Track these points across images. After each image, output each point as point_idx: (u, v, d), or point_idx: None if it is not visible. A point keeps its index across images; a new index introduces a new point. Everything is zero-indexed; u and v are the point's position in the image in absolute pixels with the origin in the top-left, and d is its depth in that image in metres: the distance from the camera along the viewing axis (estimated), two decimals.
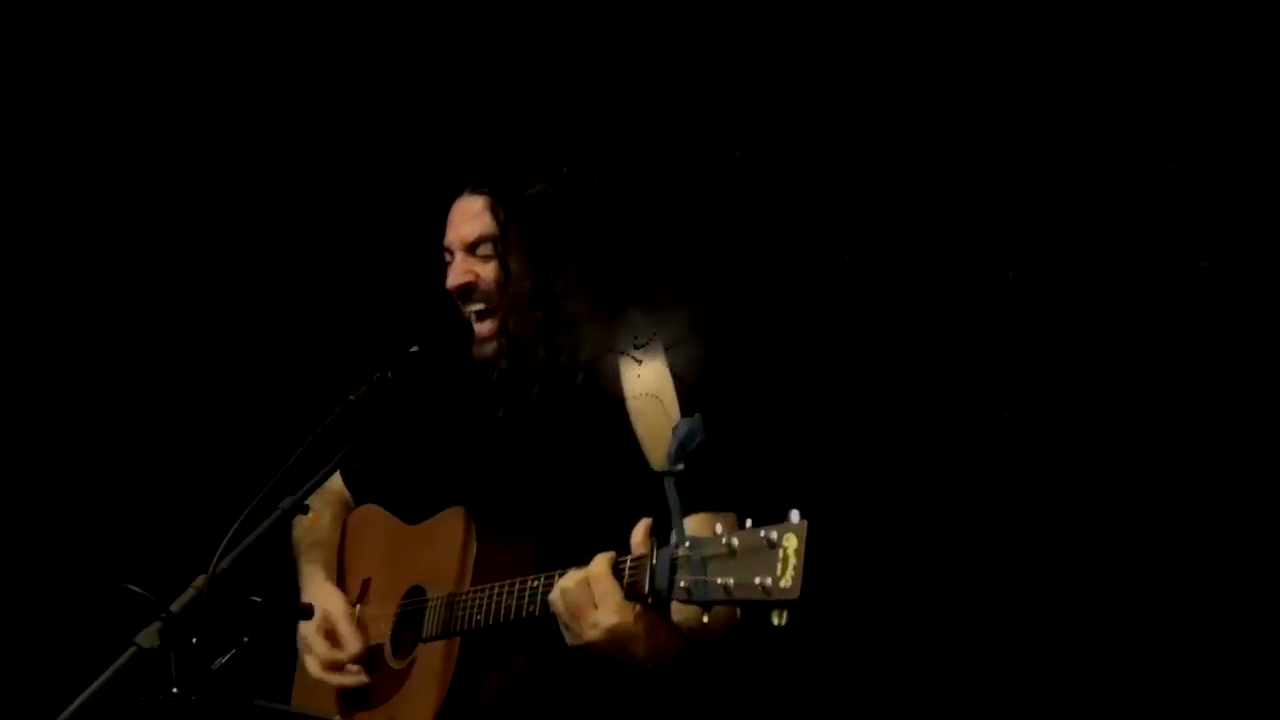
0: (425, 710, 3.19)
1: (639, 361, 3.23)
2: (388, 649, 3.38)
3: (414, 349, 3.31)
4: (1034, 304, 3.78)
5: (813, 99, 3.92)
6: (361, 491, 3.61)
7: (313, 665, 3.41)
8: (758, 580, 2.58)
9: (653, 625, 2.95)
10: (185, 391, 4.59)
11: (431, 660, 3.25)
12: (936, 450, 3.88)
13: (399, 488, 3.51)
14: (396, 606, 3.38)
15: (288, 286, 4.56)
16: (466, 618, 3.17)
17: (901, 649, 3.92)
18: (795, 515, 2.61)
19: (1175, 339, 3.67)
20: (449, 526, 3.29)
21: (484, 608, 3.14)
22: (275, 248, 4.56)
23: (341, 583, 3.52)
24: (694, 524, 2.97)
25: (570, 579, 2.96)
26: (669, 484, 2.78)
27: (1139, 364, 3.70)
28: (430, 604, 3.28)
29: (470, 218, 3.38)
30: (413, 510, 3.43)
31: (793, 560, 2.57)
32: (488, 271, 3.35)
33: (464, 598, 3.19)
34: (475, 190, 3.40)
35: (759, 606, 2.59)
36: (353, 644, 3.37)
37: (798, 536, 2.58)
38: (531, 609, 3.05)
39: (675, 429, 2.87)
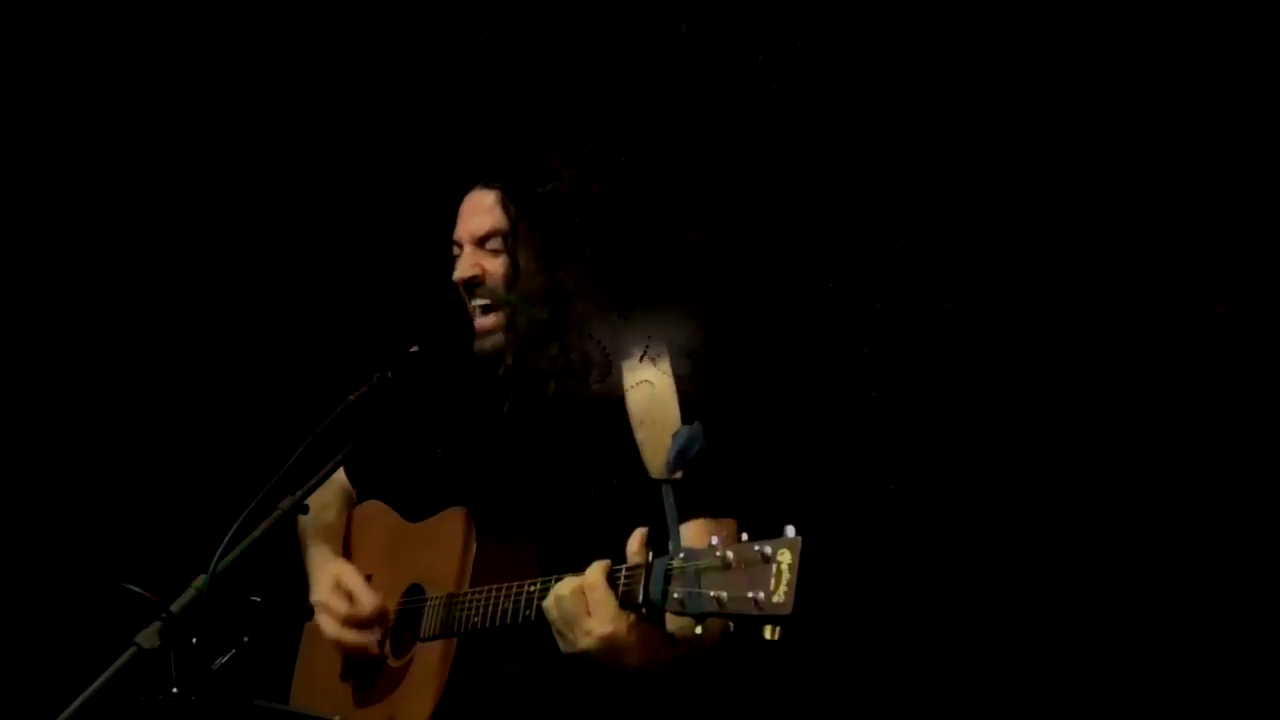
0: (422, 709, 3.19)
1: (642, 366, 3.23)
2: (386, 646, 3.39)
3: (414, 349, 3.31)
4: (1038, 317, 3.78)
5: (823, 103, 3.92)
6: (365, 487, 3.61)
7: (330, 626, 3.38)
8: (750, 595, 2.59)
9: (646, 635, 2.95)
10: (185, 391, 4.59)
11: (429, 660, 3.25)
12: (936, 463, 3.88)
13: (402, 485, 3.51)
14: (396, 604, 3.38)
15: (288, 286, 4.56)
16: (464, 619, 3.17)
17: (895, 664, 3.92)
18: (790, 530, 2.61)
19: (1174, 345, 3.67)
20: (450, 526, 3.29)
21: (481, 610, 3.14)
22: (275, 248, 4.56)
23: None
24: (693, 531, 2.98)
25: (565, 586, 2.96)
26: (666, 492, 2.79)
27: (1141, 381, 3.70)
28: (429, 603, 3.28)
29: (481, 211, 3.37)
30: (415, 507, 3.43)
31: (786, 575, 2.57)
32: (495, 266, 3.34)
33: (463, 599, 3.19)
34: (487, 185, 3.39)
35: (751, 621, 2.60)
36: (370, 601, 3.36)
37: (792, 552, 2.58)
38: (527, 614, 3.05)
39: (675, 436, 2.88)
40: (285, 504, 3.01)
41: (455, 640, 3.20)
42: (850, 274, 3.89)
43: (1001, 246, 3.79)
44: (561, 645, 2.99)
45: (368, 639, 3.35)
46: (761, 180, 3.94)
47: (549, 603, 2.98)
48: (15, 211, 4.52)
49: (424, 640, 3.28)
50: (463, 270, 3.35)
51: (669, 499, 2.78)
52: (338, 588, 3.38)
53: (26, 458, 4.52)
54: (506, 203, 3.34)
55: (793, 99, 3.93)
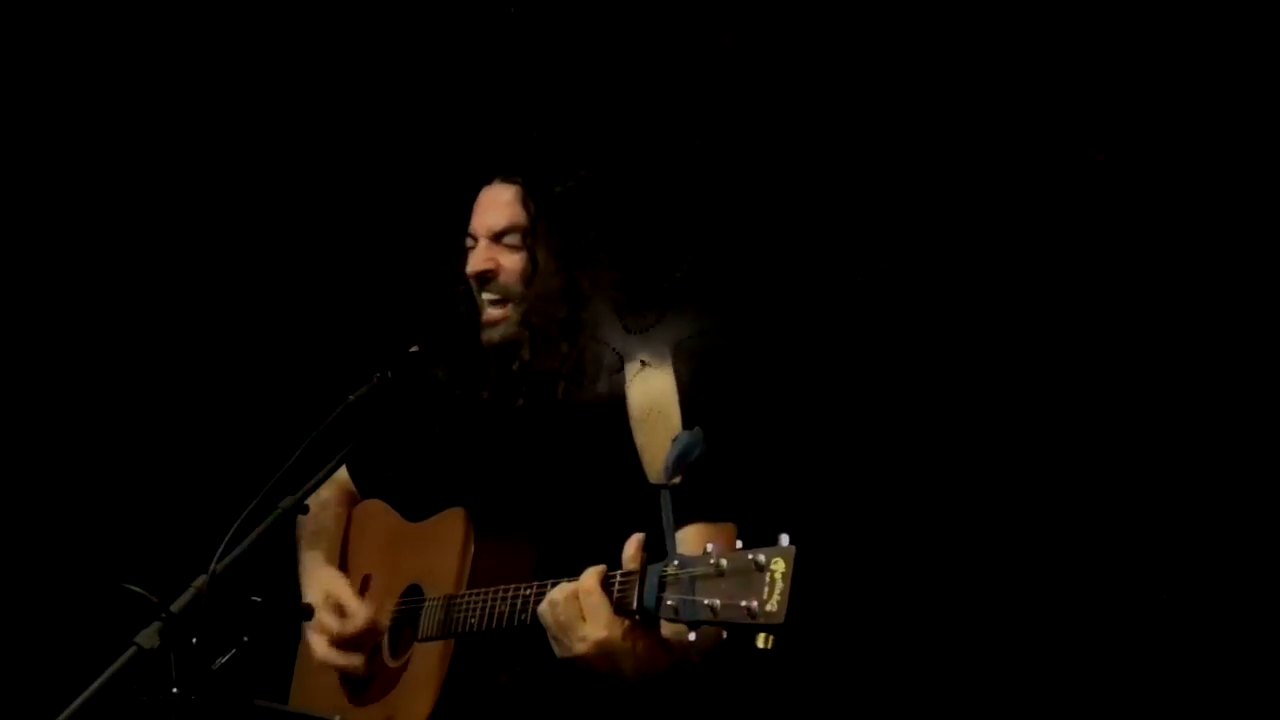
0: (420, 709, 3.19)
1: (645, 369, 3.23)
2: (385, 646, 3.38)
3: (414, 349, 3.31)
4: (1038, 327, 3.79)
5: (835, 108, 3.93)
6: (367, 486, 3.61)
7: (319, 645, 3.39)
8: (744, 603, 2.58)
9: (640, 641, 2.95)
10: (185, 392, 4.59)
11: (427, 660, 3.25)
12: (935, 469, 3.88)
13: (403, 484, 3.51)
14: (395, 604, 3.38)
15: (288, 286, 4.56)
16: (462, 620, 3.17)
17: (889, 672, 3.92)
18: (785, 539, 2.60)
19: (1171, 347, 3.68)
20: (449, 527, 3.29)
21: (478, 612, 3.14)
22: (275, 248, 4.56)
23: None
24: (692, 536, 2.98)
25: (559, 592, 2.96)
26: (664, 497, 2.79)
27: (1140, 385, 3.70)
28: (427, 604, 3.28)
29: (499, 206, 3.36)
30: (416, 507, 3.43)
31: (780, 585, 2.57)
32: (511, 262, 3.32)
33: (460, 600, 3.19)
34: (506, 179, 3.38)
35: (744, 629, 2.60)
36: (360, 615, 3.36)
37: (786, 561, 2.58)
38: (523, 617, 3.05)
39: (675, 440, 2.88)
40: (285, 504, 3.01)
41: (453, 643, 3.20)
42: (851, 282, 3.90)
43: (1000, 249, 3.80)
44: (556, 650, 2.99)
45: (357, 661, 3.36)
46: (768, 187, 3.95)
47: (544, 608, 2.98)
48: (16, 212, 4.52)
49: (422, 641, 3.28)
50: (477, 264, 3.34)
51: (666, 504, 2.78)
52: (327, 600, 3.38)
53: (26, 458, 4.52)
54: (526, 199, 3.33)
55: (794, 103, 3.94)
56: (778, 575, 2.57)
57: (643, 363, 3.23)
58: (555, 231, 3.31)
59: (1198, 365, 3.68)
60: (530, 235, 3.31)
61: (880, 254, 3.88)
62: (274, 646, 3.37)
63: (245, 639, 3.08)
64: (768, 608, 2.56)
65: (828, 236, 3.93)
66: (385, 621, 3.39)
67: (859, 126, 3.92)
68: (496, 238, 3.34)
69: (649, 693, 3.13)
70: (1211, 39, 3.61)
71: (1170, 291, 3.68)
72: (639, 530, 2.91)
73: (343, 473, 3.60)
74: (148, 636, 2.77)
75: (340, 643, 3.36)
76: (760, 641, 2.58)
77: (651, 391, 3.21)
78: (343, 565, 3.54)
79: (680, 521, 2.85)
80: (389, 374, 3.23)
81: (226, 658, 3.07)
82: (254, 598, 3.02)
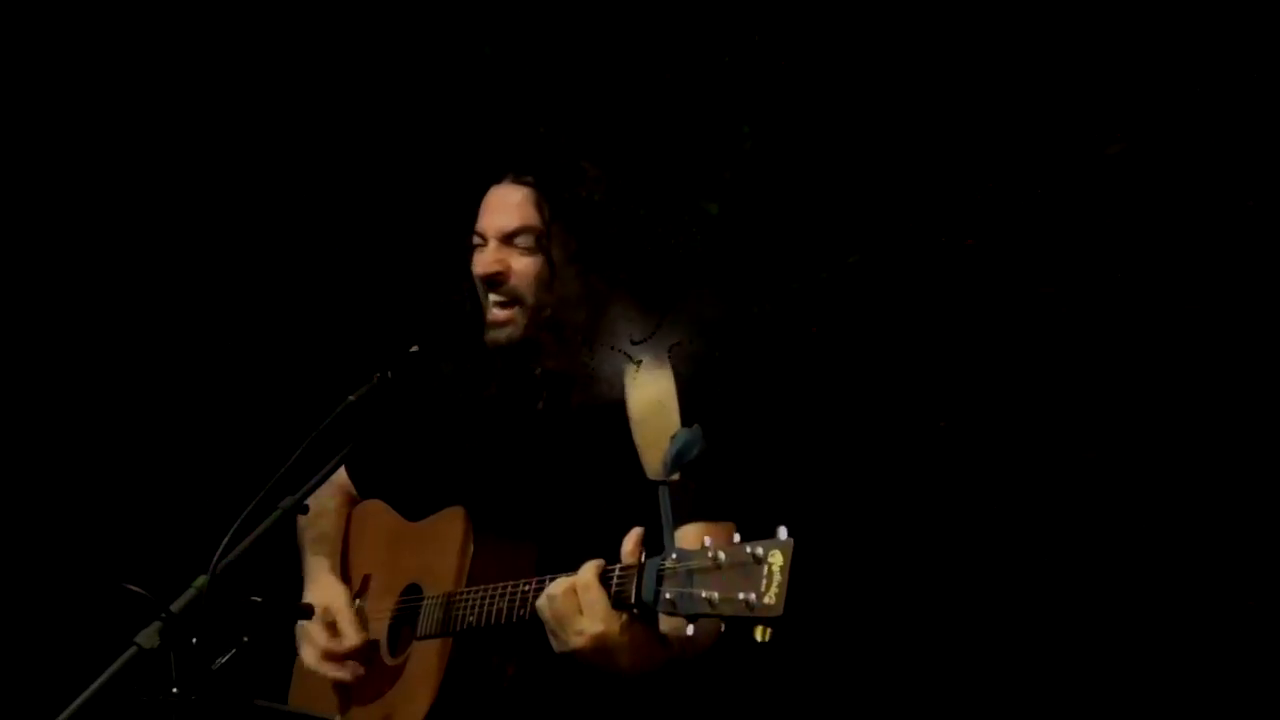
0: (418, 708, 3.20)
1: (645, 369, 3.23)
2: (384, 645, 3.39)
3: (414, 349, 3.30)
4: (1040, 322, 3.79)
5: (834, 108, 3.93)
6: (366, 486, 3.61)
7: (310, 655, 3.40)
8: (741, 596, 2.58)
9: (638, 635, 2.95)
10: (185, 392, 4.59)
11: (426, 658, 3.25)
12: (934, 465, 3.88)
13: (403, 484, 3.51)
14: (394, 603, 3.39)
15: (288, 286, 4.56)
16: (460, 618, 3.17)
17: (887, 668, 3.93)
18: (783, 532, 2.60)
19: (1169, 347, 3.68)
20: (448, 526, 3.29)
21: (477, 609, 3.14)
22: (275, 248, 4.56)
23: (344, 577, 3.52)
24: (690, 534, 2.98)
25: (558, 586, 2.97)
26: (663, 493, 2.79)
27: (1142, 382, 3.71)
28: (426, 602, 3.28)
29: (511, 207, 3.31)
30: (416, 506, 3.43)
31: (778, 577, 2.57)
32: (523, 264, 3.29)
33: (459, 598, 3.19)
34: (518, 180, 3.33)
35: (742, 622, 2.60)
36: (352, 638, 3.37)
37: (784, 553, 2.58)
38: (522, 613, 3.05)
39: (674, 438, 2.88)
40: (285, 504, 3.01)
41: (451, 641, 3.20)
42: (849, 281, 3.90)
43: (1003, 249, 3.80)
44: (554, 645, 3.00)
45: (346, 674, 3.36)
46: (766, 186, 3.95)
47: (542, 602, 2.98)
48: (16, 212, 4.52)
49: (421, 639, 3.28)
50: (488, 266, 3.30)
51: (665, 500, 2.79)
52: (325, 614, 3.39)
53: (26, 457, 4.52)
54: (540, 201, 3.29)
55: (802, 98, 3.94)
56: (775, 568, 2.57)
57: (642, 363, 3.23)
58: (571, 234, 3.29)
59: (1198, 364, 3.68)
60: (545, 238, 3.29)
61: (880, 249, 3.89)
62: (274, 646, 3.37)
63: (245, 639, 3.08)
64: (766, 600, 2.56)
65: (826, 230, 3.93)
66: (383, 624, 3.39)
67: (860, 124, 3.92)
68: (508, 239, 3.30)
69: (647, 691, 3.14)
70: (1218, 34, 3.61)
71: (1176, 289, 3.69)
72: (637, 528, 2.91)
73: (342, 474, 3.60)
74: (148, 636, 2.77)
75: (328, 656, 3.38)
76: (758, 634, 2.58)
77: (651, 390, 3.21)
78: (343, 566, 3.55)
79: (679, 520, 2.85)
80: (389, 374, 3.23)
81: (226, 658, 3.07)
82: (254, 598, 3.03)
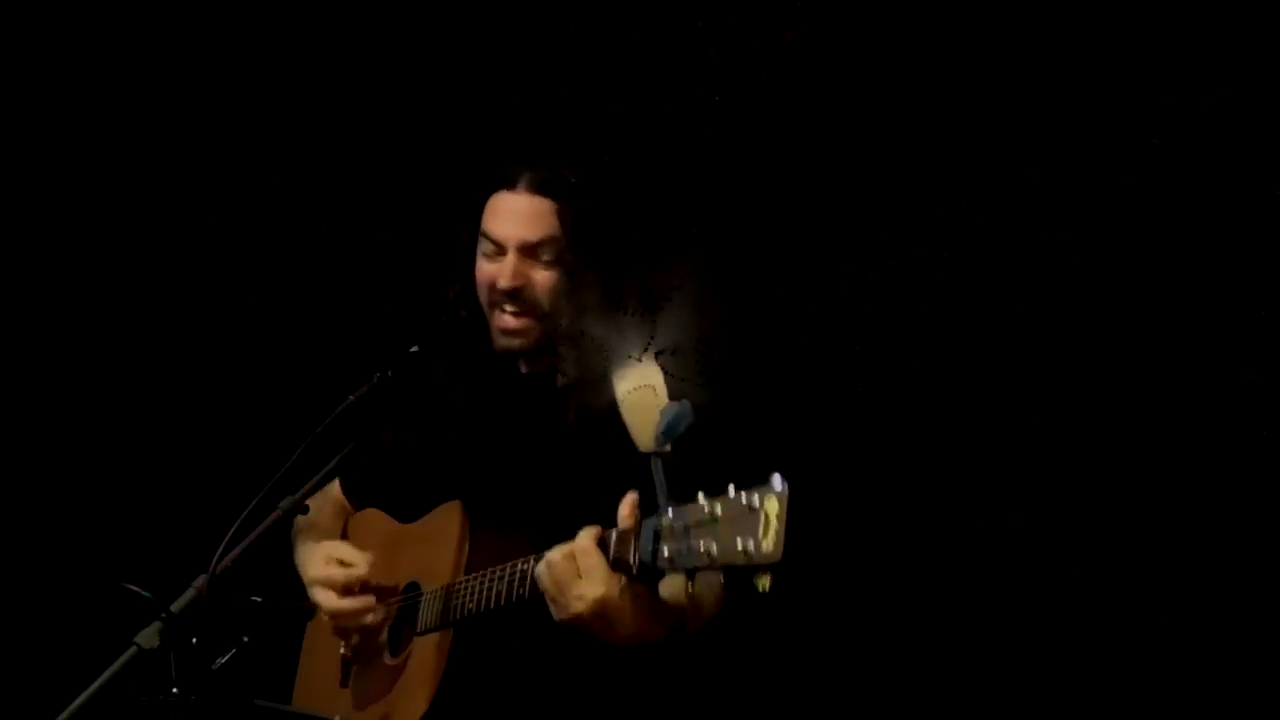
0: (419, 702, 3.20)
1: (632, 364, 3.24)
2: (385, 647, 3.39)
3: (414, 349, 3.30)
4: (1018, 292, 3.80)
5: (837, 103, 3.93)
6: (361, 498, 3.61)
7: (328, 598, 3.36)
8: (740, 544, 2.58)
9: (638, 598, 2.96)
10: (185, 392, 4.59)
11: (425, 653, 3.25)
12: (926, 425, 3.89)
13: (398, 489, 3.50)
14: (394, 603, 3.39)
15: (288, 287, 4.56)
16: (460, 606, 3.17)
17: (889, 629, 3.93)
18: (777, 479, 2.60)
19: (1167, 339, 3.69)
20: (445, 520, 3.30)
21: (476, 595, 3.14)
22: (275, 248, 4.56)
23: None
24: None
25: (556, 552, 2.97)
26: (655, 463, 2.79)
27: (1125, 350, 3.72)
28: (425, 597, 3.28)
29: (534, 218, 3.29)
30: (413, 509, 3.43)
31: (774, 524, 2.56)
32: (544, 277, 3.28)
33: (458, 587, 3.19)
34: (535, 190, 3.31)
35: (742, 572, 2.59)
36: (363, 561, 3.35)
37: (779, 500, 2.57)
38: (521, 591, 3.05)
39: (663, 412, 2.88)
40: (285, 504, 3.01)
41: (451, 633, 3.20)
42: (841, 254, 3.91)
43: (993, 238, 3.81)
44: (554, 612, 2.99)
45: (365, 603, 3.33)
46: (766, 171, 3.96)
47: (540, 569, 2.98)
48: (16, 212, 4.52)
49: (421, 634, 3.28)
50: (510, 279, 3.28)
51: (658, 469, 2.79)
52: (329, 558, 3.38)
53: (26, 457, 4.52)
54: (563, 212, 3.29)
55: (801, 96, 3.95)
56: (772, 514, 2.56)
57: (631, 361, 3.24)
58: (591, 244, 3.29)
59: (1199, 363, 3.69)
60: (568, 250, 3.28)
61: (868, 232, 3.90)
62: (274, 646, 3.38)
63: (245, 639, 3.08)
64: (764, 547, 2.56)
65: (825, 226, 3.94)
66: (383, 625, 3.39)
67: (861, 121, 3.93)
68: (529, 250, 3.29)
69: (647, 691, 3.14)
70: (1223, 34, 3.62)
71: (1179, 289, 3.69)
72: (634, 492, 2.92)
73: (336, 490, 3.60)
74: (148, 636, 2.77)
75: (347, 590, 3.35)
76: (760, 584, 2.58)
77: (638, 375, 3.22)
78: None
79: (673, 488, 2.84)
80: (389, 374, 3.23)
81: (226, 658, 3.07)
82: (254, 598, 3.03)
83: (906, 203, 3.89)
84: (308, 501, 3.06)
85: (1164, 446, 3.70)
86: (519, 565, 3.08)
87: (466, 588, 3.17)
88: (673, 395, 3.08)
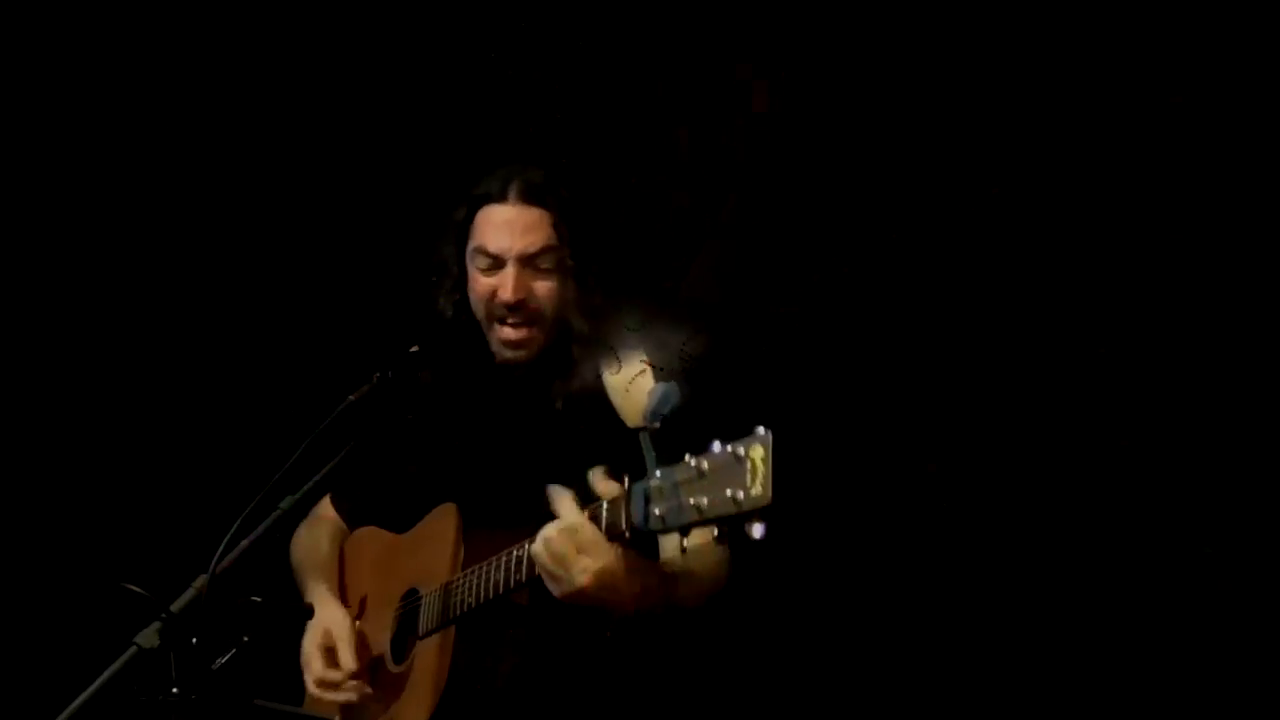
0: (422, 707, 3.20)
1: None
2: (388, 655, 3.39)
3: (414, 349, 3.30)
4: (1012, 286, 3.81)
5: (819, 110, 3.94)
6: (354, 516, 3.61)
7: (309, 681, 3.42)
8: (729, 493, 2.58)
9: (636, 563, 2.97)
10: (185, 392, 4.59)
11: (427, 657, 3.25)
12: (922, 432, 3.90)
13: (392, 501, 3.50)
14: (394, 611, 3.39)
15: (288, 287, 4.56)
16: (460, 602, 3.17)
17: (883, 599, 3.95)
18: (760, 428, 2.60)
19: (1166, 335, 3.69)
20: (440, 522, 3.30)
21: (474, 588, 3.14)
22: (275, 248, 4.56)
23: (342, 603, 3.52)
24: (671, 541, 2.98)
25: (552, 528, 2.96)
26: (644, 438, 2.79)
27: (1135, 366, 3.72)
28: (425, 599, 3.28)
29: (530, 229, 3.29)
30: (407, 518, 3.43)
31: (761, 469, 2.56)
32: (545, 287, 3.29)
33: (456, 583, 3.19)
34: (529, 201, 3.31)
35: (734, 521, 2.59)
36: (348, 665, 3.37)
37: (764, 446, 2.57)
38: (519, 577, 3.05)
39: (651, 392, 2.89)
40: (285, 504, 3.01)
41: (453, 637, 3.20)
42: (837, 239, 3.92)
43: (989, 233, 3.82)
44: (555, 589, 2.98)
45: (345, 697, 3.37)
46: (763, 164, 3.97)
47: (538, 548, 2.97)
48: (16, 212, 4.52)
49: (422, 637, 3.28)
50: (514, 292, 3.28)
51: (647, 444, 2.79)
52: (324, 641, 3.40)
53: (26, 457, 4.53)
54: (559, 222, 3.29)
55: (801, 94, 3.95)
56: (758, 460, 2.56)
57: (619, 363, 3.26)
58: (589, 251, 3.29)
59: (1199, 363, 3.69)
60: (568, 258, 3.28)
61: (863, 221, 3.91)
62: (274, 646, 3.37)
63: (245, 639, 3.08)
64: (753, 492, 2.56)
65: (826, 221, 3.95)
66: (385, 635, 3.39)
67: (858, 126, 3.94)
68: (528, 261, 3.29)
69: (646, 690, 3.14)
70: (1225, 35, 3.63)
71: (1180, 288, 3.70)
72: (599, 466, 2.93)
73: (330, 510, 3.61)
74: (148, 636, 2.77)
75: (323, 685, 3.39)
76: (754, 532, 2.58)
77: (626, 370, 3.24)
78: (340, 595, 3.54)
79: (662, 457, 2.84)
80: (389, 374, 3.23)
81: (226, 658, 3.07)
82: (254, 598, 3.03)
83: (906, 203, 3.90)
84: (299, 538, 3.05)
85: (1164, 447, 3.71)
86: (514, 552, 3.07)
87: (464, 582, 3.17)
88: (659, 378, 3.11)
